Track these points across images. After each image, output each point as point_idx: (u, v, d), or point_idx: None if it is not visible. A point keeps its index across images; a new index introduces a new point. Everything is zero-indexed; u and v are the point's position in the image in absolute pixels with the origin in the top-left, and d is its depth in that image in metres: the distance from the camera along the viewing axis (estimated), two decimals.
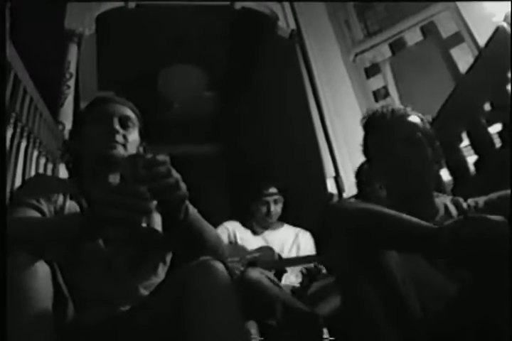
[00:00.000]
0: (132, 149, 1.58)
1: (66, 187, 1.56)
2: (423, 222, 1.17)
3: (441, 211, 1.53)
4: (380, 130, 1.59)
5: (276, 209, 3.27)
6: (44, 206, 1.42)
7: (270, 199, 3.24)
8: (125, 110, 1.63)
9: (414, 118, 1.59)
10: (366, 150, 1.67)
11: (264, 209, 3.24)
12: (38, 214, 1.39)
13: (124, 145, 1.56)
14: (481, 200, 1.52)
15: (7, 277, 1.07)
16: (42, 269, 1.12)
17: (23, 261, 1.10)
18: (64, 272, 1.21)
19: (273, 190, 3.28)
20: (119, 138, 1.55)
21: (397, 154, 1.51)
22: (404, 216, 1.19)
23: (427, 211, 1.48)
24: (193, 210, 1.38)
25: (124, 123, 1.60)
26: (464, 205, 1.54)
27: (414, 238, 1.16)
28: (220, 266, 1.21)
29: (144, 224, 1.10)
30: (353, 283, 1.20)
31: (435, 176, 1.69)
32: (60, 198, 1.48)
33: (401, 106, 1.64)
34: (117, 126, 1.57)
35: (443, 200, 1.58)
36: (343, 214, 1.26)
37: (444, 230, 1.10)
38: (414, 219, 1.18)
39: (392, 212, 1.21)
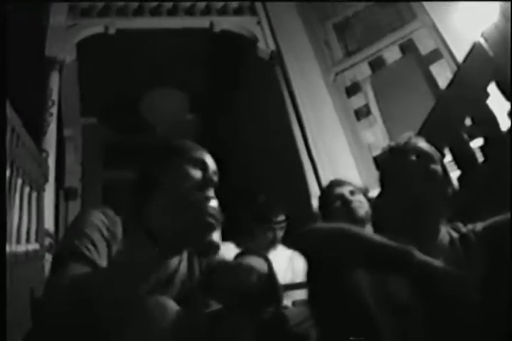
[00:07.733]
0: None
1: (121, 224, 1.34)
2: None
3: (446, 238, 1.50)
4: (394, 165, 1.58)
5: (280, 235, 3.23)
6: (94, 253, 1.20)
7: (278, 227, 3.19)
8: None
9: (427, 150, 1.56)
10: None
11: (270, 235, 3.16)
12: (87, 269, 1.16)
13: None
14: (479, 226, 1.49)
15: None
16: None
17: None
18: None
19: (282, 217, 3.22)
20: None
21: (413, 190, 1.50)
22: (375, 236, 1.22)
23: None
24: None
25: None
26: (464, 230, 1.52)
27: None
28: None
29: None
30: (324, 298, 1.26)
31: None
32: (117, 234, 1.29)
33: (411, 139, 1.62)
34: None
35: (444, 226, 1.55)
36: (318, 234, 1.28)
37: None
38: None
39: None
